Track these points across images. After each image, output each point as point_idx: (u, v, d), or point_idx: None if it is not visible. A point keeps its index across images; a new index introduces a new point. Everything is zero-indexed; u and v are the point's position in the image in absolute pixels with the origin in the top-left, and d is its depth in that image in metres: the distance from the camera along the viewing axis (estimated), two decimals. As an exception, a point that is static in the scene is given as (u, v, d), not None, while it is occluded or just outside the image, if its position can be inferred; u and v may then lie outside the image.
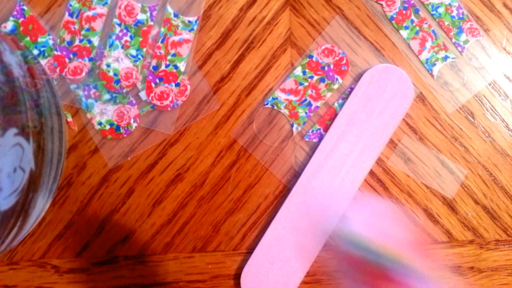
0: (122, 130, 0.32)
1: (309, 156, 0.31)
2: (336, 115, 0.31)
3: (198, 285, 0.32)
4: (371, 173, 0.32)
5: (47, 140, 0.25)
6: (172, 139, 0.32)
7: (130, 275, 0.32)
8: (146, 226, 0.32)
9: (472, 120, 0.32)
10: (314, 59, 0.32)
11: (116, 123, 0.32)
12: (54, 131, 0.26)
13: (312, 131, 0.32)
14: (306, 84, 0.32)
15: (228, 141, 0.32)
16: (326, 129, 0.32)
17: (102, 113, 0.32)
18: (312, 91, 0.32)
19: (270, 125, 0.32)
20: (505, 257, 0.32)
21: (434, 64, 0.32)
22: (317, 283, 0.32)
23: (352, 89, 0.31)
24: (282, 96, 0.32)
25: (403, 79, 0.31)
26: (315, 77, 0.32)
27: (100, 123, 0.32)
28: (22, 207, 0.24)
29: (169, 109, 0.32)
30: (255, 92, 0.32)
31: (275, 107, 0.32)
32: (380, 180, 0.32)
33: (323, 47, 0.32)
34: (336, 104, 0.32)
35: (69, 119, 0.32)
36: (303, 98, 0.32)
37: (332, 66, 0.32)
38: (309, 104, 0.32)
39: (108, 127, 0.32)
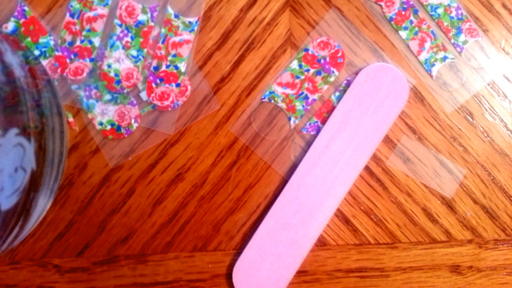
0: (123, 130, 0.32)
1: (305, 151, 0.32)
2: (333, 107, 0.32)
3: (198, 284, 0.32)
4: (371, 173, 0.32)
5: (48, 140, 0.25)
6: (172, 139, 0.32)
7: (131, 275, 0.32)
8: (147, 225, 0.32)
9: (471, 120, 0.32)
10: (310, 52, 0.32)
11: (117, 123, 0.32)
12: (55, 131, 0.26)
13: (310, 124, 0.32)
14: (302, 77, 0.32)
15: (228, 141, 0.32)
16: (324, 121, 0.32)
17: (103, 113, 0.32)
18: (308, 84, 0.32)
19: (270, 125, 0.32)
20: (504, 257, 0.32)
21: (433, 65, 0.32)
22: (317, 282, 0.32)
23: (348, 81, 0.32)
24: (279, 89, 0.32)
25: (398, 78, 0.31)
26: (311, 70, 0.32)
27: (101, 123, 0.32)
28: (23, 207, 0.24)
29: (169, 109, 0.32)
30: (255, 93, 0.32)
31: (272, 101, 0.32)
32: (379, 180, 0.32)
33: (318, 40, 0.32)
34: (333, 97, 0.32)
35: (70, 119, 0.32)
36: (300, 91, 0.32)
37: (328, 59, 0.32)
38: (306, 97, 0.32)
39: (109, 127, 0.32)
